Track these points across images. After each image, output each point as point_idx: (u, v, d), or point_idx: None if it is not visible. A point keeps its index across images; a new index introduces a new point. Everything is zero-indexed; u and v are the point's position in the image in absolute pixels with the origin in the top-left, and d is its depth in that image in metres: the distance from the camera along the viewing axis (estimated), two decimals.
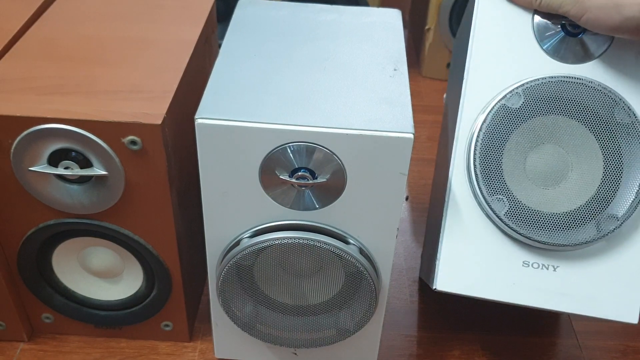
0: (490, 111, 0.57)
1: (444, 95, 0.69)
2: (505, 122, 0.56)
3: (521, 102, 0.56)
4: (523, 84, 0.56)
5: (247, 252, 0.54)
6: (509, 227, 0.57)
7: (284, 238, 0.54)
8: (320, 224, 0.55)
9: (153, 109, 0.54)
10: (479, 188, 0.57)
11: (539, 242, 0.57)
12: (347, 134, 0.50)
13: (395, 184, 0.53)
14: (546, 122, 0.56)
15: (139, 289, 0.66)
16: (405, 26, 1.31)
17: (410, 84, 0.56)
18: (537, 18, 0.57)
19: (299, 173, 0.52)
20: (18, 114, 0.53)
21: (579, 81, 0.56)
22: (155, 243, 0.61)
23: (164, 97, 0.56)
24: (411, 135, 0.50)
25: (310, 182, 0.53)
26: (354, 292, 0.58)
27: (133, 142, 0.53)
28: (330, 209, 0.54)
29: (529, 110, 0.56)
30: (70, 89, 0.57)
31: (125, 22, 0.68)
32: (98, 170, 0.55)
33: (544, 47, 0.57)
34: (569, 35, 0.57)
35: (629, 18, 0.50)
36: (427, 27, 1.18)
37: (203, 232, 0.57)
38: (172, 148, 0.56)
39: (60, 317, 0.68)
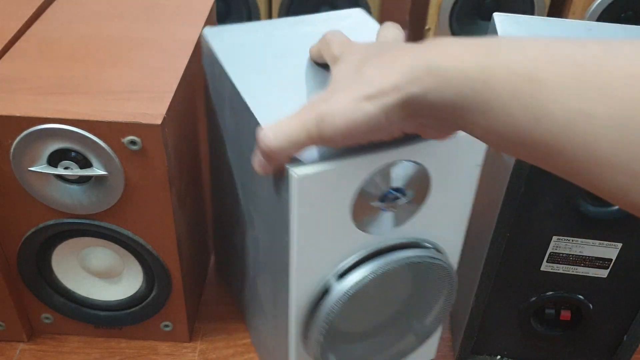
0: None
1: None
2: None
3: None
4: None
5: (338, 306, 0.50)
6: None
7: (373, 272, 0.50)
8: (399, 239, 0.52)
9: (153, 109, 0.54)
10: None
11: None
12: (432, 142, 0.48)
13: (470, 176, 0.52)
14: None
15: (139, 289, 0.66)
16: (405, 26, 1.31)
17: None
18: None
19: (389, 195, 0.48)
20: (18, 114, 0.53)
21: None
22: (155, 243, 0.61)
23: (164, 97, 0.56)
24: None
25: (404, 200, 0.49)
26: (438, 294, 0.56)
27: (133, 142, 0.53)
28: (411, 221, 0.52)
29: None
30: (70, 89, 0.56)
31: (125, 22, 0.68)
32: (98, 171, 0.55)
33: None
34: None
35: None
36: (427, 27, 1.18)
37: (203, 232, 0.57)
38: (172, 148, 0.56)
39: (60, 318, 0.68)
